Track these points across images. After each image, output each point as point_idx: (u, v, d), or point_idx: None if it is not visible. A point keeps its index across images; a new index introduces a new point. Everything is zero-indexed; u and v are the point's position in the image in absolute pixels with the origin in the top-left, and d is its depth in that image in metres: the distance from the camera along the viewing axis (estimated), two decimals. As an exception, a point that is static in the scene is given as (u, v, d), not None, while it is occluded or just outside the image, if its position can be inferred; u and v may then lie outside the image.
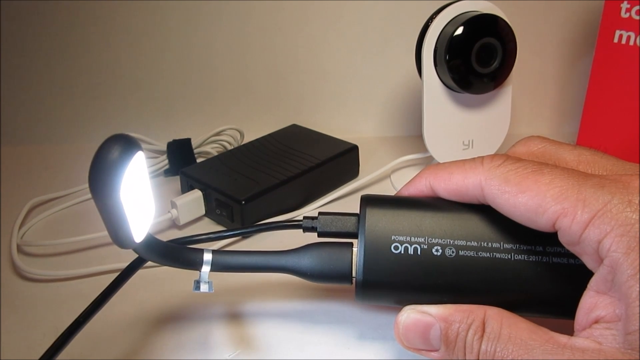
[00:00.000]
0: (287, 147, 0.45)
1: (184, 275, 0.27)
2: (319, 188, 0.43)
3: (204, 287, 0.26)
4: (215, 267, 0.26)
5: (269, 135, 0.48)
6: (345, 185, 0.45)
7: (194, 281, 0.26)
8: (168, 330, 0.30)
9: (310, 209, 0.42)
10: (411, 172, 0.45)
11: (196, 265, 0.26)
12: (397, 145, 0.53)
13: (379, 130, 0.55)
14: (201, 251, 0.26)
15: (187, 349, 0.29)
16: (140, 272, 0.27)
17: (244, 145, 0.46)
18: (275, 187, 0.40)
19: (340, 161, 0.44)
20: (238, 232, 0.31)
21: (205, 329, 0.30)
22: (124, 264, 0.27)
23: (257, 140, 0.47)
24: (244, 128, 0.51)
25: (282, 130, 0.49)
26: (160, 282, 0.34)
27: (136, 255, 0.25)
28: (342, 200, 0.43)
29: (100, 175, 0.18)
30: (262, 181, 0.40)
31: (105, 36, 0.53)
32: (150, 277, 0.34)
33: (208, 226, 0.41)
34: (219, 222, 0.41)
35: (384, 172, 0.45)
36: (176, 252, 0.25)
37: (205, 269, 0.26)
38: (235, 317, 0.31)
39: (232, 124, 0.50)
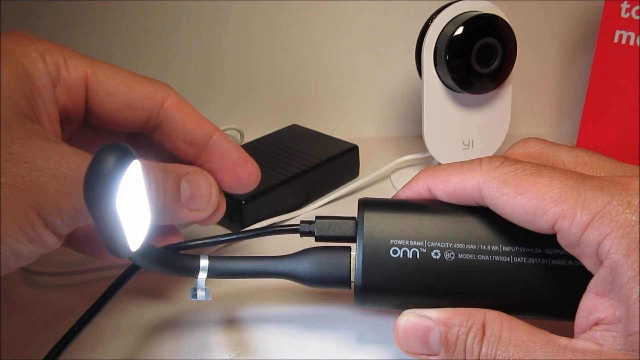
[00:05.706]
0: (287, 147, 0.45)
1: (183, 279, 0.27)
2: (319, 188, 0.43)
3: (200, 295, 0.25)
4: (212, 273, 0.25)
5: (269, 135, 0.48)
6: (345, 185, 0.45)
7: (191, 289, 0.25)
8: (166, 335, 0.30)
9: (310, 209, 0.42)
10: (411, 172, 0.45)
11: (192, 272, 0.25)
12: (397, 145, 0.53)
13: (379, 130, 0.55)
14: (197, 257, 0.25)
15: (185, 352, 0.29)
16: (138, 276, 0.27)
17: (244, 145, 0.46)
18: (275, 187, 0.40)
19: (340, 161, 0.44)
20: (234, 237, 0.31)
21: (204, 333, 0.30)
22: (124, 264, 0.27)
23: (257, 140, 0.47)
24: (244, 128, 0.51)
25: (282, 130, 0.49)
26: (159, 286, 0.34)
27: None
28: (342, 200, 0.43)
29: (95, 185, 0.17)
30: (262, 181, 0.40)
31: (105, 36, 0.53)
32: (149, 280, 0.34)
33: (208, 226, 0.41)
34: (219, 222, 0.41)
35: (384, 172, 0.45)
36: (172, 259, 0.25)
37: (202, 275, 0.25)
38: (233, 321, 0.31)
39: (232, 124, 0.50)
